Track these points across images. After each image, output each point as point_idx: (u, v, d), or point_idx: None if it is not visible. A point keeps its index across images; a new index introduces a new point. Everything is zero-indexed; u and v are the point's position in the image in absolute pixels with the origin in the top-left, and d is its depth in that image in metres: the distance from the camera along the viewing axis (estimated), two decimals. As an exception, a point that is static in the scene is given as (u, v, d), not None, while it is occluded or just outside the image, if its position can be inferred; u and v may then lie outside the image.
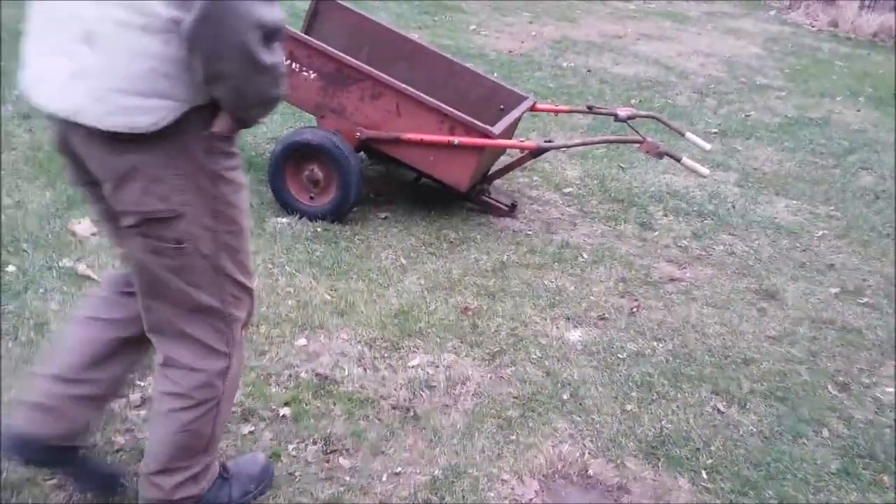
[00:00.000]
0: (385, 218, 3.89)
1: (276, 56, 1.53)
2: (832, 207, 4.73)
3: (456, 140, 3.62)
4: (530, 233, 3.97)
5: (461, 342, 2.93)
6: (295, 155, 3.70)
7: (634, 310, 3.33)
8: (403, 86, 3.65)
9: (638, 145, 3.59)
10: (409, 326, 2.96)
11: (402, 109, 3.67)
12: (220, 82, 1.52)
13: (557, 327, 3.14)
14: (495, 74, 6.95)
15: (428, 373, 2.72)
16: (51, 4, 1.54)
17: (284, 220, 3.70)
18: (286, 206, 3.76)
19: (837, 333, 3.32)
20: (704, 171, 3.55)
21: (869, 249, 4.16)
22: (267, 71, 1.52)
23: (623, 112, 4.10)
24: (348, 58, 3.66)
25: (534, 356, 2.90)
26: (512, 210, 4.10)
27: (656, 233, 4.14)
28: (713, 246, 4.06)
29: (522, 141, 3.63)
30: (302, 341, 2.81)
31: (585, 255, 3.77)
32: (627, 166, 5.01)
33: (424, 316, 3.05)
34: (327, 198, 3.72)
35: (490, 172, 4.18)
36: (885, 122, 6.68)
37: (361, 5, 9.15)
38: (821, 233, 4.34)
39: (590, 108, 4.20)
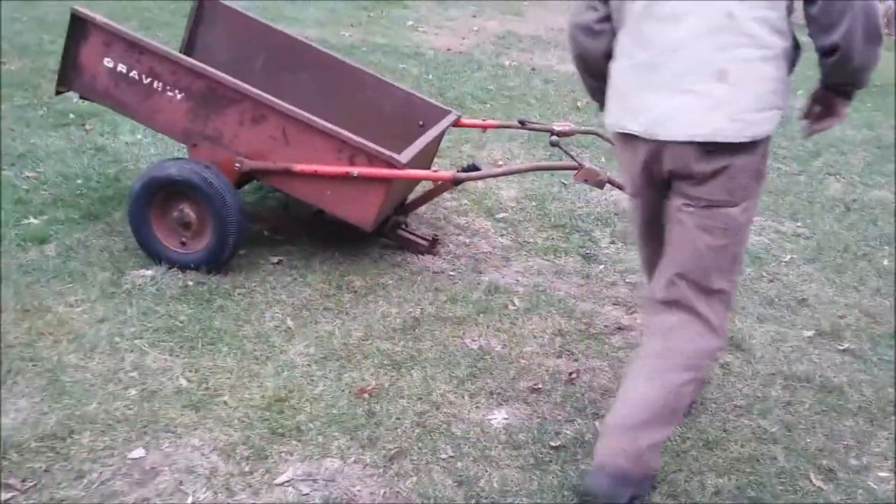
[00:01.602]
0: (278, 263, 3.24)
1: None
2: (799, 223, 4.18)
3: (356, 171, 2.98)
4: (453, 273, 3.35)
5: (351, 440, 2.30)
6: (160, 192, 3.03)
7: (573, 375, 2.73)
8: (289, 107, 3.00)
9: (574, 172, 2.98)
10: (283, 422, 2.32)
11: (291, 135, 3.02)
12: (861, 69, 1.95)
13: (477, 407, 2.52)
14: (430, 76, 6.33)
15: (301, 493, 2.09)
16: (664, 57, 1.97)
17: (149, 272, 3.04)
18: (153, 254, 3.10)
19: (816, 394, 2.75)
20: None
21: (843, 276, 3.61)
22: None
23: (559, 127, 3.50)
24: (220, 74, 3.00)
25: (444, 456, 2.28)
26: (433, 246, 3.48)
27: (601, 266, 3.55)
28: (668, 280, 3.48)
29: (436, 171, 3.02)
30: (138, 452, 2.16)
31: (517, 302, 3.16)
32: (571, 183, 4.41)
33: (306, 404, 2.42)
34: (201, 243, 3.06)
35: (408, 201, 3.56)
36: (851, 116, 6.16)
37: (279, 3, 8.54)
38: (788, 257, 3.78)
39: (522, 122, 3.59)
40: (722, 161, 1.96)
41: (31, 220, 3.35)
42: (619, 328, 3.08)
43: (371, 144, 2.99)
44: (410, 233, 3.50)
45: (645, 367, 2.11)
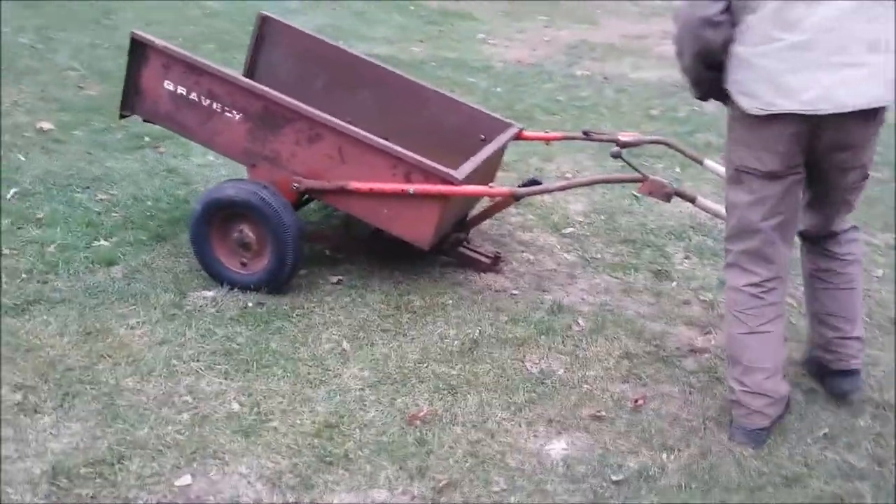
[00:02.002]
0: (337, 283, 3.20)
1: None
2: (893, 235, 3.89)
3: (411, 188, 2.91)
4: (516, 292, 3.24)
5: (400, 469, 2.21)
6: (220, 214, 3.03)
7: (640, 402, 2.58)
8: (344, 125, 2.96)
9: (639, 185, 2.83)
10: (332, 449, 2.26)
11: (346, 154, 2.98)
12: None
13: (535, 436, 2.40)
14: (498, 89, 6.24)
15: (346, 525, 2.02)
16: (818, 36, 2.12)
17: (210, 293, 3.04)
18: (215, 275, 3.10)
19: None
20: (725, 213, 2.78)
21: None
22: None
23: (625, 137, 3.35)
24: (275, 93, 2.99)
25: (496, 489, 2.17)
26: (495, 264, 3.37)
27: (674, 283, 3.37)
28: (745, 298, 3.28)
29: (492, 187, 2.91)
30: (185, 479, 2.13)
31: (582, 323, 3.02)
32: (643, 195, 4.23)
33: (356, 431, 2.34)
34: (261, 264, 3.05)
35: (470, 217, 3.47)
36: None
37: (362, 17, 8.60)
38: (881, 272, 3.52)
39: (586, 133, 3.45)
40: (874, 127, 2.26)
41: (102, 242, 3.41)
42: (693, 350, 2.90)
43: (426, 161, 2.92)
44: (472, 250, 3.41)
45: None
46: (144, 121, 3.29)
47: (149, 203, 3.80)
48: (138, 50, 3.07)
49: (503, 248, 3.60)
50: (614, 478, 2.22)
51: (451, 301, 3.12)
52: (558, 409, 2.52)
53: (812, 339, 2.67)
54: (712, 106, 6.04)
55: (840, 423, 2.52)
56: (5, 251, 3.22)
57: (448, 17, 8.99)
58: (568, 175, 4.48)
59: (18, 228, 3.44)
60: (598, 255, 3.58)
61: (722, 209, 2.78)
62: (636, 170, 2.83)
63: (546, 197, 4.13)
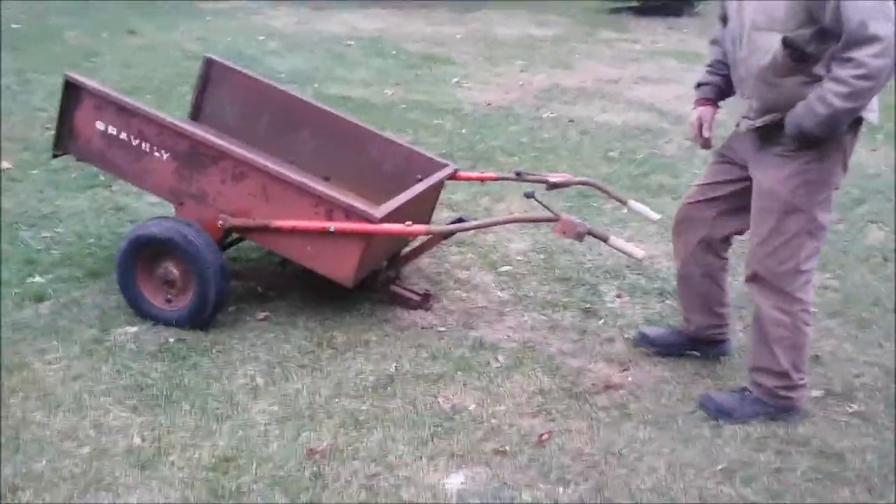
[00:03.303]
0: (263, 319, 3.24)
1: None
2: (829, 275, 3.92)
3: (332, 226, 2.97)
4: (442, 329, 3.27)
5: (291, 503, 2.22)
6: (145, 251, 3.09)
7: (545, 437, 2.59)
8: (266, 164, 3.02)
9: (553, 225, 2.88)
10: (225, 483, 2.27)
11: (270, 192, 3.04)
12: None
13: (435, 470, 2.42)
14: (464, 130, 6.34)
15: (225, 559, 2.02)
16: None
17: (133, 329, 3.08)
18: (140, 311, 3.14)
19: (812, 460, 2.52)
20: (638, 252, 2.82)
21: (868, 332, 3.35)
22: None
23: (554, 178, 3.43)
24: (201, 133, 3.07)
25: (384, 521, 2.18)
26: (425, 301, 3.41)
27: (600, 321, 3.40)
28: (671, 335, 3.30)
29: (409, 226, 2.96)
30: (74, 512, 2.14)
31: (501, 359, 3.05)
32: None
33: (254, 465, 2.36)
34: (185, 301, 3.09)
35: (401, 255, 3.52)
36: (905, 161, 5.83)
37: (342, 60, 8.77)
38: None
39: (518, 174, 3.52)
40: None
41: (37, 278, 3.46)
42: (608, 387, 2.92)
43: (346, 199, 2.98)
44: (403, 288, 3.45)
45: None
46: (77, 160, 3.36)
47: (90, 241, 3.86)
48: (72, 91, 3.15)
49: (438, 285, 3.64)
50: (503, 512, 2.24)
51: (374, 337, 3.15)
52: (462, 444, 2.54)
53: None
54: (673, 147, 6.16)
55: (741, 457, 2.53)
56: (-62, 287, 3.27)
57: (427, 61, 9.15)
58: (514, 214, 4.53)
59: (-43, 265, 3.50)
60: (531, 294, 3.62)
61: (636, 250, 2.82)
62: (550, 210, 2.88)
63: (488, 236, 4.19)
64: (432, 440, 2.54)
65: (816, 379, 3.00)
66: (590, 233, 2.85)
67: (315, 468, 2.36)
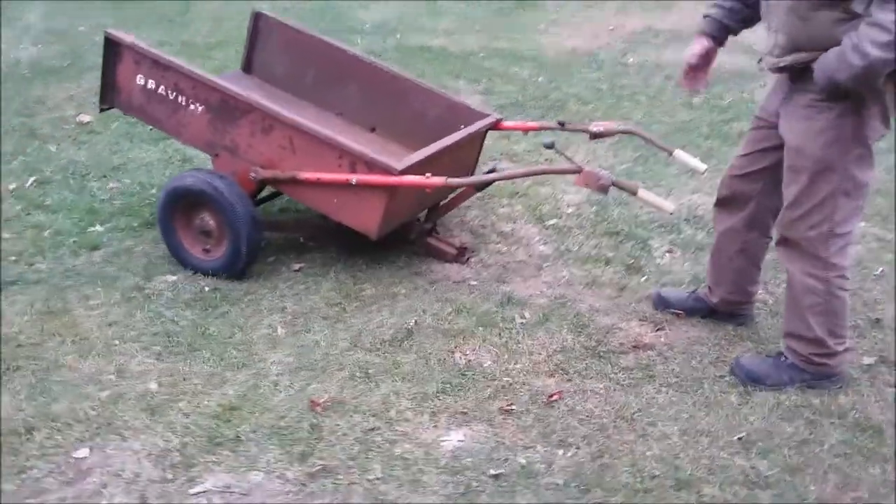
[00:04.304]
0: (298, 270, 3.27)
1: None
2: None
3: (353, 179, 2.94)
4: (475, 283, 3.21)
5: (284, 453, 2.25)
6: (181, 202, 3.17)
7: (554, 397, 2.51)
8: (293, 117, 3.02)
9: (575, 176, 2.74)
10: (224, 431, 2.33)
11: (297, 144, 3.04)
12: None
13: (435, 426, 2.39)
14: (540, 79, 6.14)
15: (209, 505, 2.08)
16: None
17: (173, 278, 3.18)
18: (180, 260, 3.25)
19: (845, 433, 2.33)
20: (668, 206, 2.66)
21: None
22: None
23: (596, 128, 3.26)
24: (230, 86, 3.09)
25: (371, 477, 2.17)
26: (461, 254, 3.35)
27: (644, 278, 3.25)
28: (717, 294, 3.12)
29: (428, 177, 2.89)
30: (82, 452, 2.25)
31: (528, 315, 2.96)
32: (651, 184, 4.08)
33: (256, 414, 2.40)
34: (221, 251, 3.16)
35: (440, 207, 3.47)
36: None
37: (431, 8, 8.64)
38: (881, 269, 3.26)
39: (561, 123, 3.37)
40: None
41: (97, 227, 3.62)
42: (636, 346, 2.79)
43: (368, 152, 2.94)
44: (439, 240, 3.40)
45: None
46: (124, 113, 3.46)
47: (152, 191, 4.00)
48: (112, 48, 3.23)
49: (479, 238, 3.57)
50: (493, 472, 2.18)
51: (403, 290, 3.13)
52: (469, 401, 2.49)
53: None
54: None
55: (766, 426, 2.36)
56: (6, 235, 3.48)
57: (518, 6, 8.90)
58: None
59: (27, 214, 3.71)
60: (575, 248, 3.49)
61: (665, 203, 2.66)
62: (571, 161, 2.74)
63: (543, 188, 4.06)
64: (438, 396, 2.51)
65: (871, 344, 2.77)
66: (615, 184, 2.70)
67: (314, 420, 2.38)
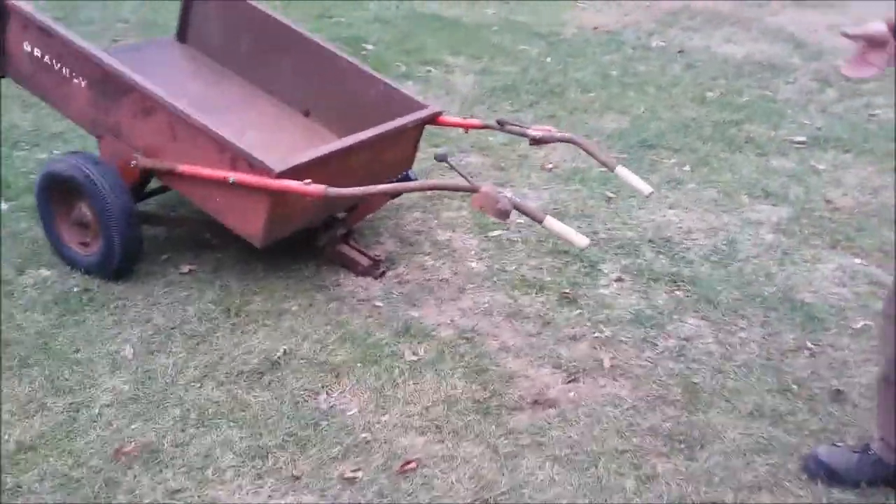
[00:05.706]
0: (187, 272, 2.90)
1: None
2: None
3: (232, 178, 2.54)
4: (380, 304, 2.79)
5: (62, 514, 1.90)
6: (56, 188, 2.82)
7: (409, 466, 2.08)
8: (171, 101, 2.61)
9: (472, 195, 2.28)
10: (9, 480, 1.98)
11: (178, 132, 2.65)
12: None
13: (255, 493, 1.99)
14: (548, 59, 5.60)
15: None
16: None
17: (47, 272, 2.85)
18: (59, 253, 2.91)
19: None
20: (580, 241, 2.18)
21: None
22: None
23: (536, 132, 2.79)
24: (109, 60, 2.70)
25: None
26: (374, 268, 2.93)
27: (578, 311, 2.77)
28: (657, 339, 2.64)
29: (308, 184, 2.46)
30: None
31: (423, 351, 2.53)
32: (618, 196, 3.58)
33: (50, 459, 2.04)
34: (97, 246, 2.81)
35: (358, 210, 3.04)
36: None
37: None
38: (860, 324, 2.72)
39: (500, 123, 2.90)
40: None
41: (1, 204, 3.31)
42: (535, 402, 2.35)
43: (247, 149, 2.52)
44: (353, 248, 2.98)
45: None
46: (16, 83, 3.11)
47: (72, 167, 3.66)
48: (3, 11, 2.88)
49: (409, 247, 3.14)
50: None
51: (294, 307, 2.73)
52: (308, 463, 2.09)
53: None
54: (792, 88, 5.11)
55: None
56: None
57: (552, -24, 8.29)
58: (549, 166, 3.88)
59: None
60: (511, 268, 3.03)
61: (577, 237, 2.19)
62: (467, 180, 2.27)
63: (503, 186, 3.58)
64: (274, 452, 2.11)
65: (822, 424, 2.26)
66: (517, 209, 2.23)
67: (113, 473, 2.01)
